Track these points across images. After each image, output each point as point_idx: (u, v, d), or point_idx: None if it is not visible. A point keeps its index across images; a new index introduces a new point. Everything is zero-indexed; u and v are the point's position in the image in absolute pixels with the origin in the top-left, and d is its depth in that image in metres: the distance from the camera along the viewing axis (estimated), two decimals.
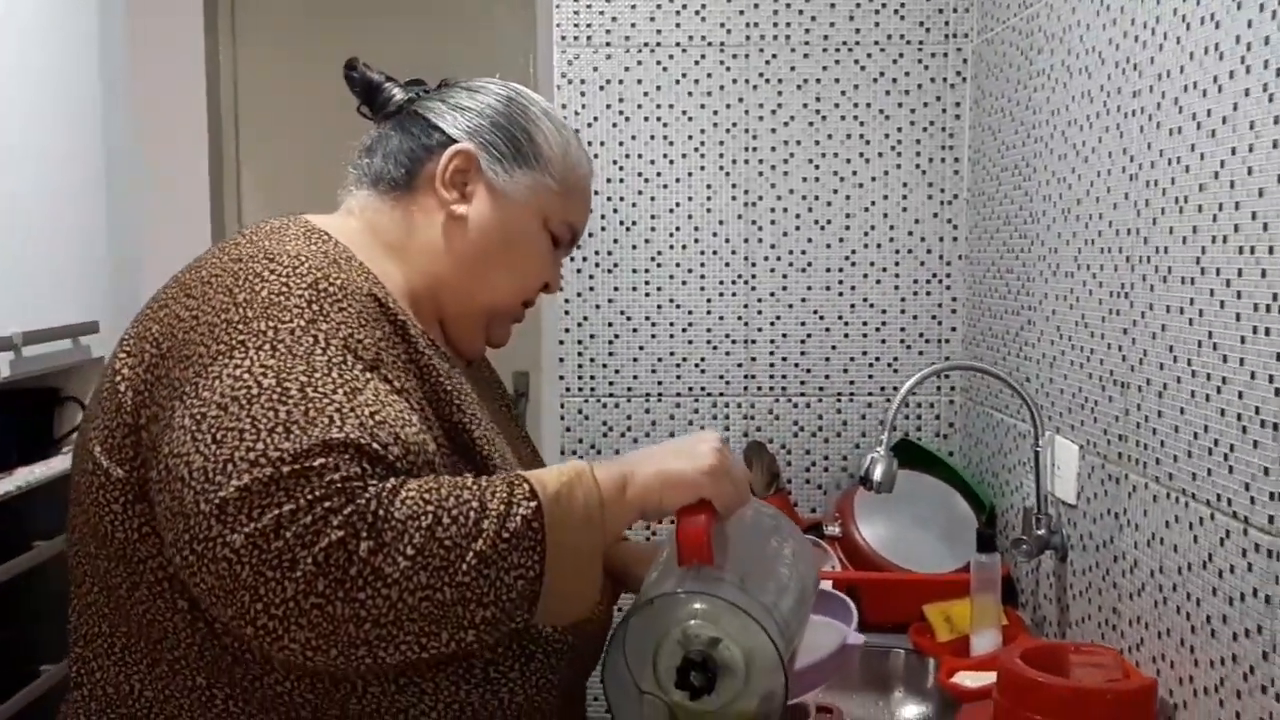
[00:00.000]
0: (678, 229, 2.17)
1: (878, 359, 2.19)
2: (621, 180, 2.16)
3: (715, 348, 2.18)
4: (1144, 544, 1.35)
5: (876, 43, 2.14)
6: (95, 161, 2.16)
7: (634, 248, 2.17)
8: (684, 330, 2.18)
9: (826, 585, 1.29)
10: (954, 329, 2.19)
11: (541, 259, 1.16)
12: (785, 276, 2.18)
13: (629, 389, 2.19)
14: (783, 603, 1.01)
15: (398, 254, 1.11)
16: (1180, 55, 1.27)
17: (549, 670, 1.02)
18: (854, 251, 2.18)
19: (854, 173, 2.17)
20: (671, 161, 2.16)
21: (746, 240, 2.17)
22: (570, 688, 1.07)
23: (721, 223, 2.17)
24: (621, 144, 2.15)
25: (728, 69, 2.15)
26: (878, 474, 1.63)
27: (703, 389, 2.19)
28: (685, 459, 0.99)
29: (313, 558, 0.83)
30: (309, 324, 0.93)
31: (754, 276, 2.18)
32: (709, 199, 2.17)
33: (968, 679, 1.52)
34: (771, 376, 2.19)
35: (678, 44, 2.14)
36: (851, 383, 2.20)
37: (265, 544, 0.83)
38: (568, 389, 2.19)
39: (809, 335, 2.19)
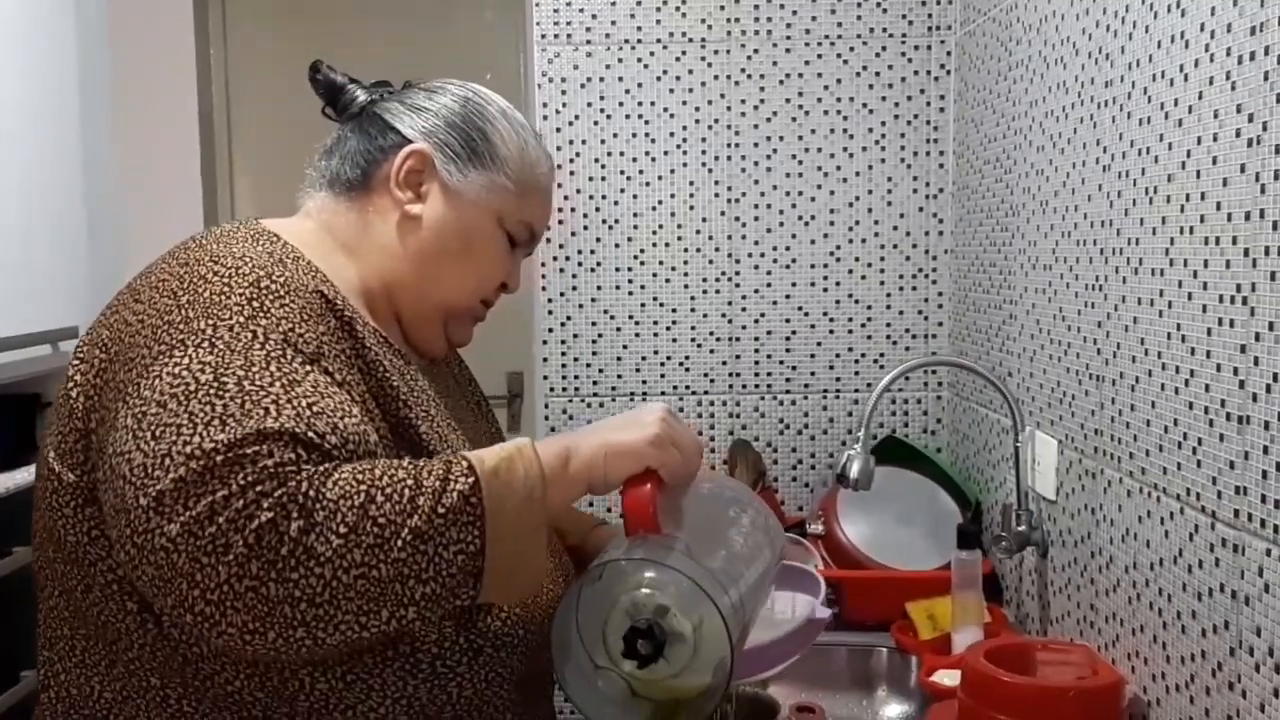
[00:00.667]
0: (660, 227, 2.16)
1: (863, 355, 2.18)
2: (603, 178, 2.15)
3: (699, 345, 2.17)
4: (1119, 539, 1.34)
5: (859, 36, 2.13)
6: (73, 166, 2.17)
7: (616, 246, 2.16)
8: (668, 328, 2.17)
9: (797, 562, 1.27)
10: (940, 324, 2.17)
11: (497, 258, 1.15)
12: (769, 273, 2.16)
13: (613, 388, 2.18)
14: (735, 570, 0.99)
15: (352, 253, 1.12)
16: (1149, 44, 1.25)
17: (498, 664, 1.02)
18: (839, 247, 2.16)
19: (838, 168, 2.15)
20: (653, 159, 2.15)
21: (730, 237, 2.16)
22: (527, 682, 1.06)
23: (705, 220, 2.16)
24: (603, 142, 2.14)
25: (709, 65, 2.13)
26: (854, 471, 1.62)
27: (687, 387, 2.18)
28: (630, 429, 0.99)
29: (244, 540, 0.83)
30: (248, 320, 0.93)
31: (738, 273, 2.16)
32: (692, 196, 2.15)
33: (946, 677, 1.51)
34: (756, 374, 2.18)
35: (658, 40, 2.13)
36: (837, 379, 2.18)
37: (199, 530, 0.83)
38: (551, 389, 2.18)
39: (794, 332, 2.17)
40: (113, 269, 2.24)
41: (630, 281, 2.17)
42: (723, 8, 2.12)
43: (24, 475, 1.84)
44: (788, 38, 2.13)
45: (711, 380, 2.18)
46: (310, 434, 0.88)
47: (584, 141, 2.15)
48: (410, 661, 0.97)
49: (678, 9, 2.12)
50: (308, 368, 0.93)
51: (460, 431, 1.11)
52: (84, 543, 0.97)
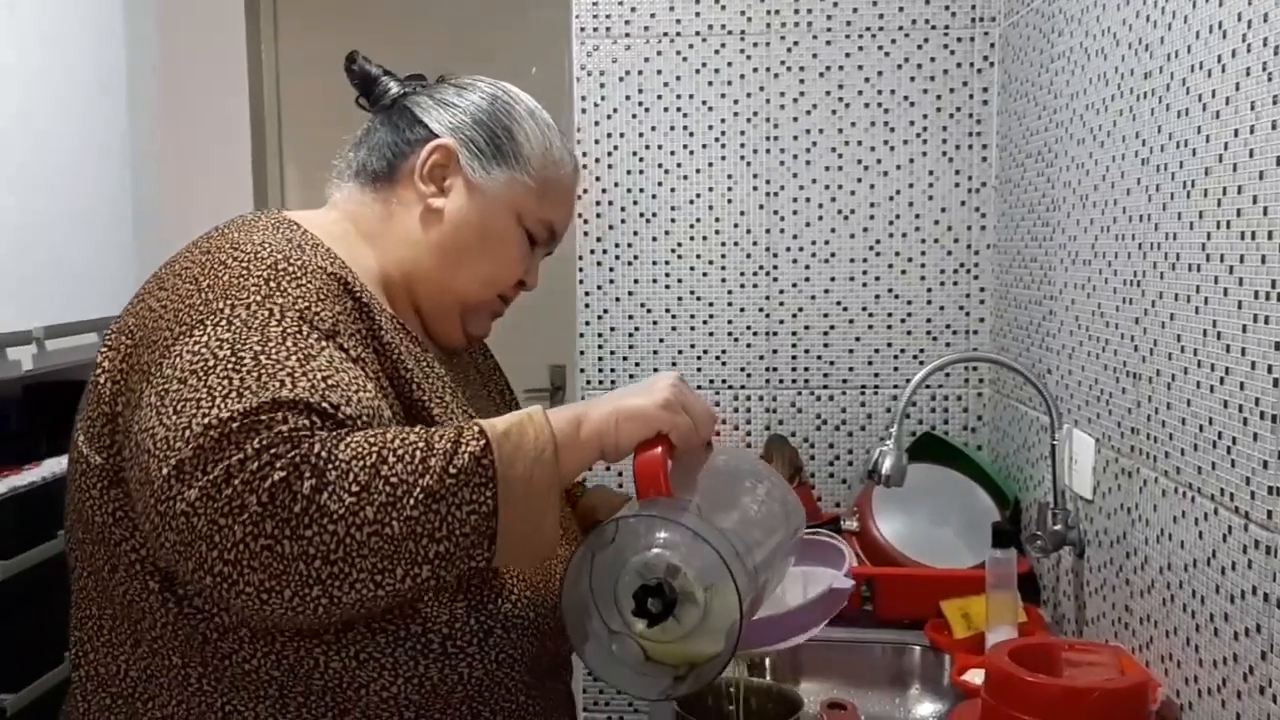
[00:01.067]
0: (698, 220, 2.15)
1: (903, 351, 2.16)
2: (641, 171, 2.15)
3: (736, 340, 2.16)
4: (1154, 540, 1.31)
5: (900, 28, 2.10)
6: (120, 157, 2.21)
7: (654, 239, 2.16)
8: (705, 322, 2.16)
9: (823, 536, 1.26)
10: (982, 320, 2.14)
11: (515, 254, 1.16)
12: (808, 267, 2.15)
13: None
14: (748, 536, 0.99)
15: (374, 242, 1.14)
16: (1187, 34, 1.22)
17: (509, 645, 1.03)
18: (878, 241, 2.14)
19: (878, 161, 2.13)
20: (692, 152, 2.14)
21: (768, 231, 2.15)
22: (539, 664, 1.07)
23: (743, 213, 2.15)
24: (641, 135, 2.14)
25: (748, 57, 2.12)
26: (886, 467, 1.60)
27: (724, 381, 2.17)
28: (641, 395, 1.00)
29: (258, 499, 0.85)
30: (264, 299, 0.96)
31: (776, 267, 2.15)
32: (730, 189, 2.14)
33: (977, 676, 1.49)
34: (794, 369, 2.16)
35: (697, 33, 2.12)
36: (876, 375, 2.16)
37: (216, 493, 0.85)
38: (588, 382, 2.19)
39: (832, 327, 2.16)
40: (157, 261, 2.27)
41: (668, 275, 2.16)
42: (762, 0, 2.11)
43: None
44: (828, 29, 2.11)
45: (748, 375, 2.17)
46: (324, 404, 0.90)
47: (622, 134, 2.14)
48: (421, 641, 0.98)
49: (717, 1, 2.11)
50: (323, 343, 0.95)
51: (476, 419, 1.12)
52: (109, 523, 0.99)
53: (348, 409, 0.91)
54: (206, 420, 0.87)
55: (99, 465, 0.99)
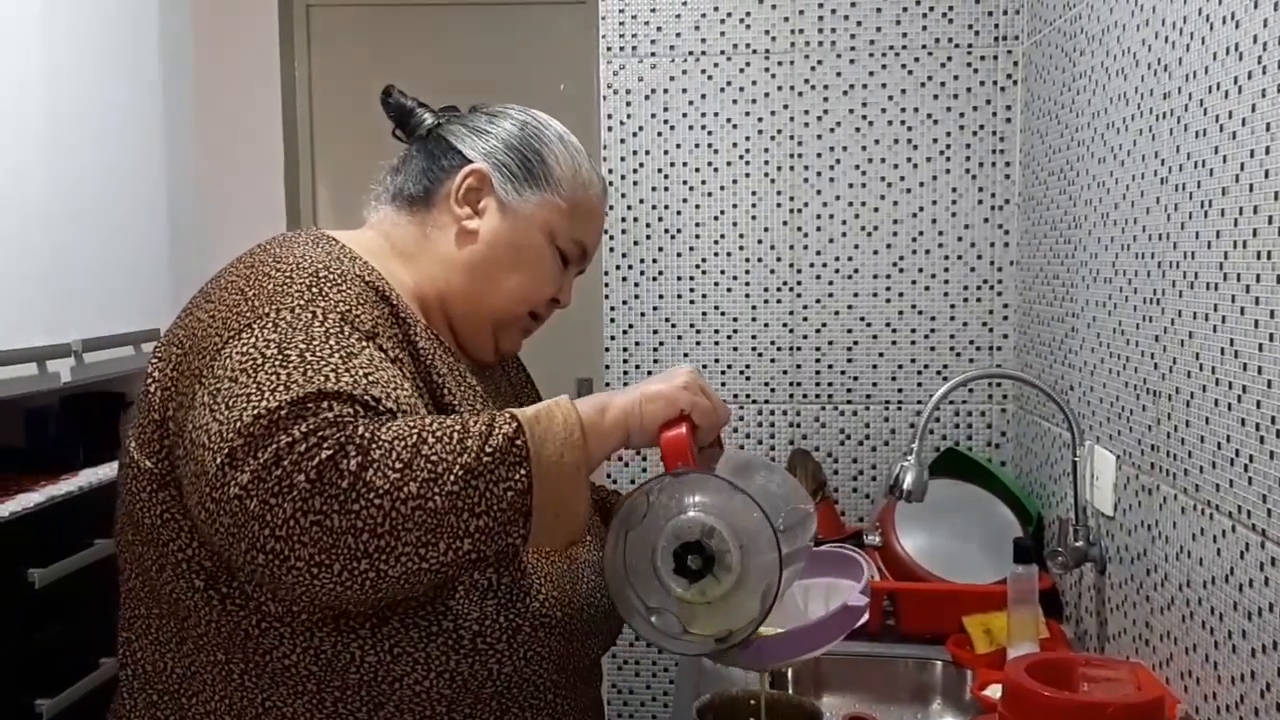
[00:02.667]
0: (723, 236, 2.17)
1: (926, 366, 2.17)
2: (666, 188, 2.18)
3: (760, 355, 2.18)
4: (1173, 556, 1.32)
5: (924, 47, 2.12)
6: (157, 172, 2.25)
7: (679, 255, 2.18)
8: (729, 337, 2.18)
9: (845, 549, 1.28)
10: (1005, 336, 2.15)
11: (547, 273, 1.21)
12: (831, 283, 2.17)
13: None
14: (774, 506, 1.03)
15: (409, 261, 1.19)
16: (1205, 56, 1.23)
17: (536, 644, 1.06)
18: (902, 258, 2.16)
19: (901, 178, 2.15)
20: (716, 169, 2.17)
21: (792, 247, 2.17)
22: (568, 664, 1.11)
23: (767, 229, 2.17)
24: (666, 152, 2.17)
25: (772, 76, 2.15)
26: (907, 483, 1.62)
27: (748, 396, 2.19)
28: (661, 381, 1.05)
29: (306, 477, 0.90)
30: (308, 302, 1.01)
31: (799, 283, 2.17)
32: (754, 206, 2.17)
33: (999, 692, 1.50)
34: (817, 384, 2.18)
35: (722, 52, 2.15)
36: (899, 391, 2.18)
37: (266, 475, 0.90)
38: None
39: (855, 342, 2.17)
40: (193, 275, 2.32)
41: (692, 290, 2.19)
42: (787, 19, 2.13)
43: (107, 471, 1.92)
44: (852, 48, 2.13)
45: (772, 390, 2.19)
46: (367, 396, 0.95)
47: (648, 152, 2.17)
48: (453, 638, 1.02)
49: (741, 21, 2.14)
50: (364, 343, 1.00)
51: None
52: (158, 524, 1.04)
53: (388, 402, 0.96)
54: (256, 411, 0.92)
55: (149, 469, 1.04)
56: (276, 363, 0.95)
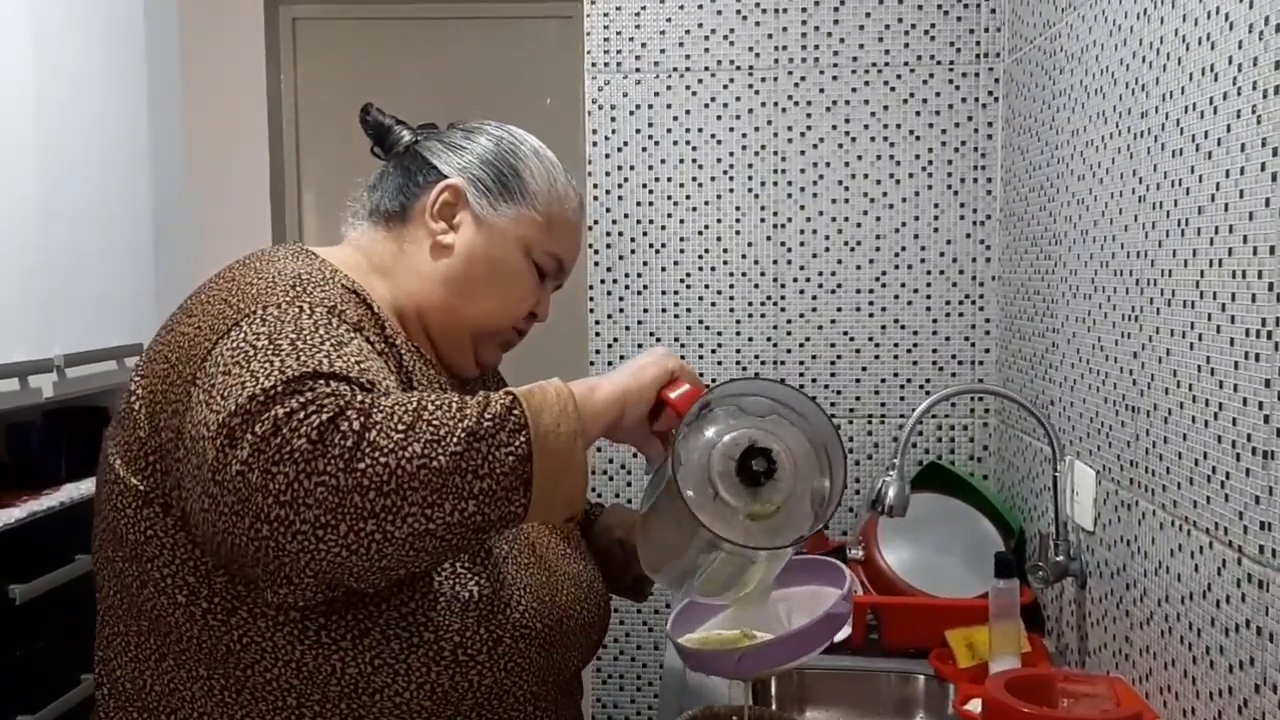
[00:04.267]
0: (707, 251, 2.18)
1: (909, 381, 2.18)
2: (651, 203, 2.18)
3: (744, 369, 2.19)
4: (1152, 572, 1.33)
5: (906, 64, 2.14)
6: (142, 185, 2.25)
7: (663, 270, 2.19)
8: (713, 351, 2.19)
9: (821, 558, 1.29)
10: (987, 350, 2.16)
11: (523, 287, 1.21)
12: (814, 298, 2.18)
13: None
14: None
15: (387, 275, 1.20)
16: (1181, 76, 1.25)
17: (517, 655, 1.07)
18: (884, 273, 2.17)
19: (884, 194, 2.16)
20: (700, 185, 2.18)
21: (775, 262, 2.18)
22: (548, 676, 1.11)
23: (750, 244, 2.18)
24: (651, 168, 2.18)
25: (756, 92, 2.16)
26: (889, 497, 1.62)
27: None
28: (642, 357, 1.10)
29: (308, 439, 0.90)
30: (294, 299, 1.03)
31: (783, 298, 2.18)
32: (738, 221, 2.18)
33: (979, 706, 1.50)
34: None
35: (706, 68, 2.16)
36: (882, 405, 2.19)
37: (265, 445, 0.90)
38: None
39: (839, 357, 2.18)
40: (178, 289, 2.32)
41: (676, 305, 2.19)
42: (770, 36, 2.15)
43: (89, 486, 1.91)
44: (835, 65, 2.14)
45: None
46: (363, 379, 0.96)
47: (632, 167, 2.18)
48: (434, 649, 1.03)
49: (725, 38, 2.15)
50: (353, 334, 1.02)
51: None
52: (141, 541, 1.04)
53: (381, 386, 0.97)
54: (250, 392, 0.92)
55: (134, 487, 1.04)
56: (268, 351, 0.96)
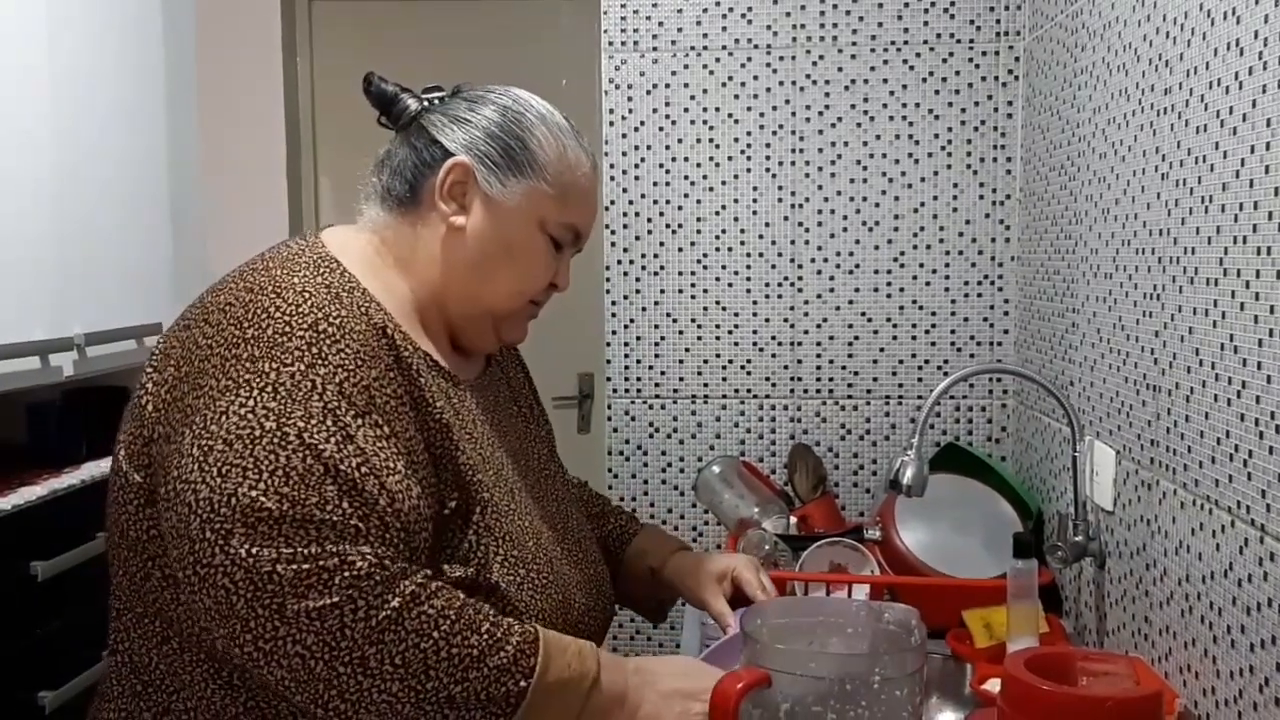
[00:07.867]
0: (724, 231, 2.18)
1: (927, 361, 2.17)
2: (668, 183, 2.18)
3: (761, 350, 2.18)
4: (1173, 552, 1.32)
5: (925, 42, 2.12)
6: (159, 167, 2.26)
7: (680, 250, 2.18)
8: (730, 332, 2.19)
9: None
10: (1006, 331, 2.15)
11: (540, 262, 1.19)
12: (832, 278, 2.17)
13: (675, 390, 2.20)
14: None
15: (405, 268, 1.17)
16: (1205, 51, 1.23)
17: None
18: (903, 253, 2.16)
19: (903, 173, 2.15)
20: (717, 164, 2.17)
21: (793, 242, 2.17)
22: None
23: (768, 225, 2.17)
24: (668, 147, 2.17)
25: (774, 71, 2.15)
26: (907, 477, 1.62)
27: (749, 391, 2.19)
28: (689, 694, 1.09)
29: (305, 611, 0.93)
30: (308, 369, 1.00)
31: (800, 278, 2.17)
32: (755, 201, 2.17)
33: (998, 686, 1.50)
34: (818, 379, 2.18)
35: (724, 47, 2.15)
36: (900, 385, 2.18)
37: (261, 583, 0.93)
38: (614, 390, 2.22)
39: (856, 337, 2.17)
40: (196, 270, 2.33)
41: (693, 285, 2.19)
42: (788, 14, 2.13)
43: (109, 464, 1.92)
44: (853, 44, 2.13)
45: (773, 384, 2.19)
46: (352, 521, 0.97)
47: (649, 146, 2.17)
48: None
49: (743, 16, 2.14)
50: (359, 421, 1.00)
51: (503, 448, 1.19)
52: (143, 539, 1.05)
53: (382, 499, 0.98)
54: (254, 495, 0.94)
55: (137, 483, 1.04)
56: (275, 440, 0.96)
